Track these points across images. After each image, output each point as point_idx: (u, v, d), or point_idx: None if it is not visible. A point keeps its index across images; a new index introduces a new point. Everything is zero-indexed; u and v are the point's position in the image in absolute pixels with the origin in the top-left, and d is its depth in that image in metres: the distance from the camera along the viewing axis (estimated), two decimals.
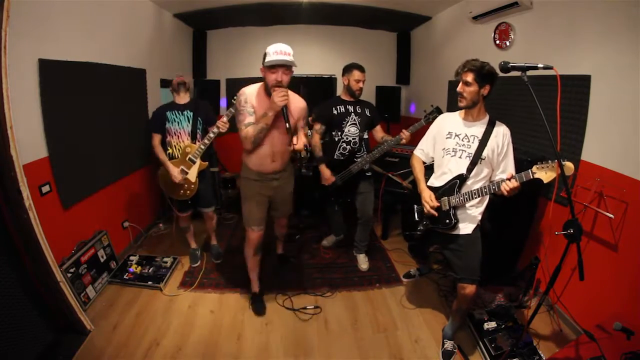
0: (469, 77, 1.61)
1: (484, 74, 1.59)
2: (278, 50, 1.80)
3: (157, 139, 2.52)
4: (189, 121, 2.52)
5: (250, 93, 1.94)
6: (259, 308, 2.31)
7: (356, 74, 2.47)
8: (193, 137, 2.54)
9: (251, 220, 2.18)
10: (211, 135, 2.42)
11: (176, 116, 2.51)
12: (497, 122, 1.69)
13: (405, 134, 2.37)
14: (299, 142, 1.92)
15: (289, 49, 1.82)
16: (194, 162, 2.50)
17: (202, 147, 2.47)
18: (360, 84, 2.50)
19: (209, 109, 2.68)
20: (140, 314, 2.24)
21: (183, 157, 2.51)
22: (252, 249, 2.26)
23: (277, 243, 2.84)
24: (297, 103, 2.03)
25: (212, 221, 2.85)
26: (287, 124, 1.82)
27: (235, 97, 2.09)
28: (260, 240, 2.24)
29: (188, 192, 2.53)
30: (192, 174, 2.51)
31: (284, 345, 2.03)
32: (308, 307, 2.33)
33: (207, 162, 2.60)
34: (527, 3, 2.43)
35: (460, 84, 1.65)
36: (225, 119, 2.39)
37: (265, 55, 1.83)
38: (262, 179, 2.11)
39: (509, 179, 1.50)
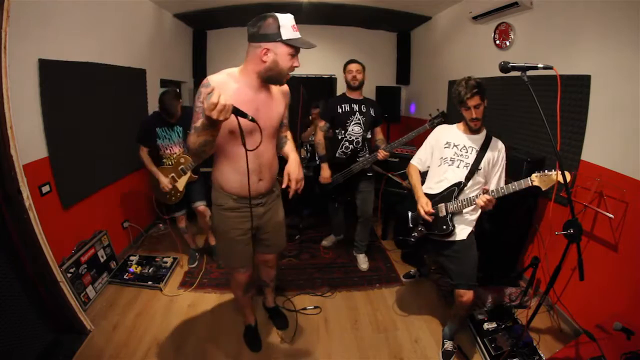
0: (477, 99, 1.63)
1: (484, 89, 1.63)
2: (296, 26, 1.31)
3: (144, 150, 2.54)
4: (179, 135, 2.56)
5: (219, 82, 1.32)
6: (254, 344, 1.98)
7: (349, 66, 2.51)
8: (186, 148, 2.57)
9: (233, 262, 1.71)
10: None
11: (166, 132, 2.54)
12: (494, 138, 1.76)
13: (382, 154, 2.42)
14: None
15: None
16: (185, 173, 2.55)
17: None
18: (354, 73, 2.50)
19: None
20: (140, 314, 2.24)
21: (176, 166, 2.55)
22: (240, 290, 1.85)
23: (266, 292, 2.17)
24: (279, 91, 1.55)
25: (205, 218, 2.66)
26: (252, 119, 1.25)
27: None
28: (249, 279, 1.81)
29: (174, 198, 2.59)
30: (181, 184, 2.57)
31: (283, 345, 2.03)
32: (308, 307, 2.33)
33: (197, 176, 2.62)
34: (527, 3, 2.43)
35: (471, 110, 1.66)
36: None
37: (268, 23, 1.27)
38: (242, 206, 1.54)
39: (484, 192, 1.57)
